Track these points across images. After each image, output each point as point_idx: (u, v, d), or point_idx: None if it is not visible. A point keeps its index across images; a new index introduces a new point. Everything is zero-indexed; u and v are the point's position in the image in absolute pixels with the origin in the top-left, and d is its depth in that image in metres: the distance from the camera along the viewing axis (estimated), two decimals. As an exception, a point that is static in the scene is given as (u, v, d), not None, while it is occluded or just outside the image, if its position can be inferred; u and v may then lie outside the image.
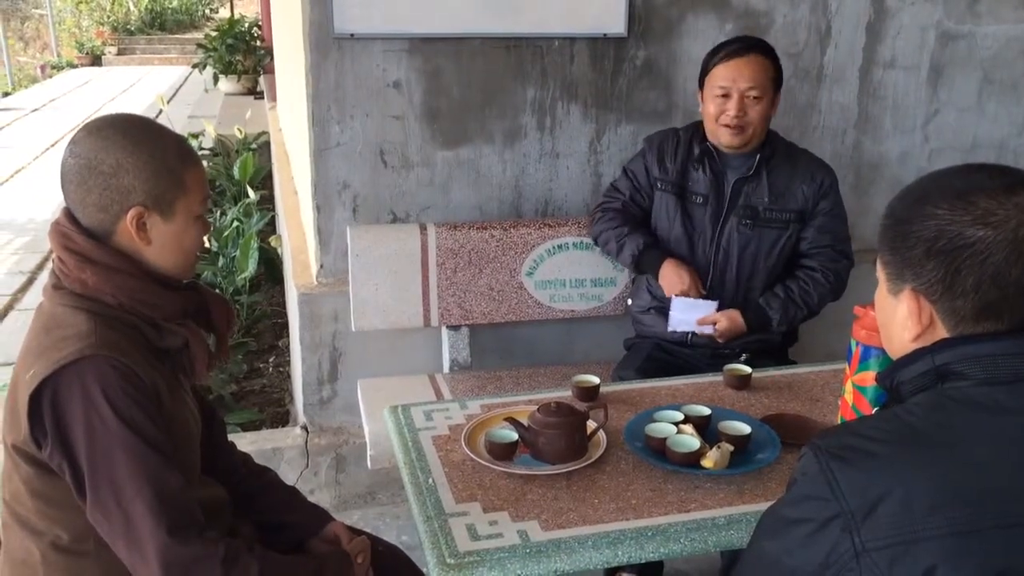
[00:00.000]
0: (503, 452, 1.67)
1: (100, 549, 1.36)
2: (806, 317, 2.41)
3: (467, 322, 2.75)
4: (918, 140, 3.19)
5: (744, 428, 1.72)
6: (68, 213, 1.40)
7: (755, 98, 2.25)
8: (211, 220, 4.29)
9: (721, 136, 2.31)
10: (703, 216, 2.37)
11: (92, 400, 1.27)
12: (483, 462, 1.66)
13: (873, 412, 1.63)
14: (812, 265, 2.38)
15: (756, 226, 2.34)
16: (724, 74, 2.26)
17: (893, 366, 1.07)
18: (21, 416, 1.31)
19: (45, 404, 1.28)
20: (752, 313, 2.36)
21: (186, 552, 1.29)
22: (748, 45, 2.27)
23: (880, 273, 1.10)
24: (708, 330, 2.36)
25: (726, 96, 2.26)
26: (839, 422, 1.76)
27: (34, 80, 15.54)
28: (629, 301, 2.61)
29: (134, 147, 1.36)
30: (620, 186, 2.54)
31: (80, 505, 1.32)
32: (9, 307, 4.90)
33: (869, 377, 1.65)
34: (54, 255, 1.41)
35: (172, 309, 1.44)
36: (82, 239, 1.37)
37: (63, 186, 1.38)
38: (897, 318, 1.06)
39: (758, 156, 2.33)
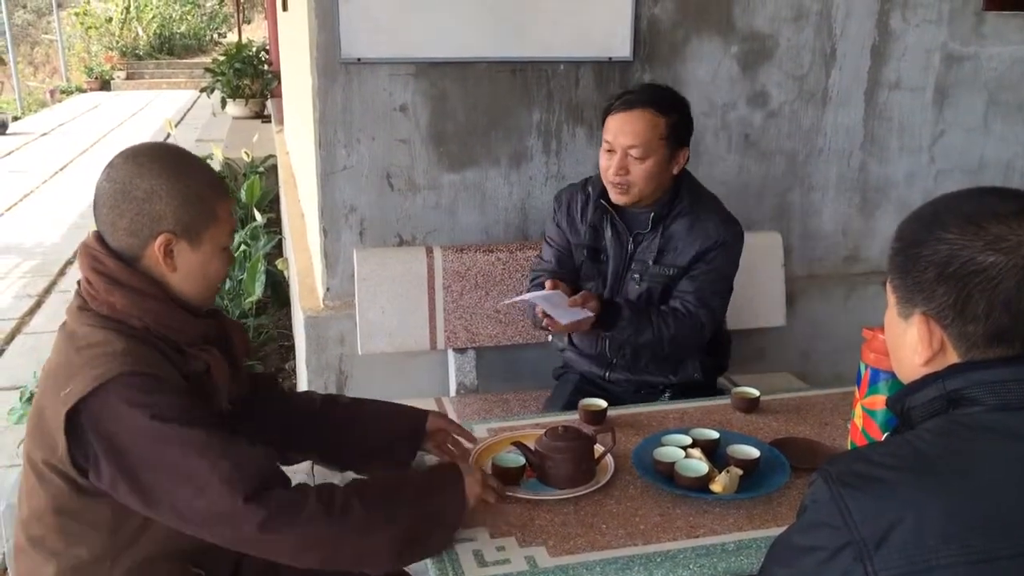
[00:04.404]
0: (510, 476, 1.66)
1: (114, 568, 1.38)
2: (655, 344, 2.22)
3: (473, 345, 2.74)
4: (924, 161, 3.19)
5: (753, 452, 1.71)
6: (98, 236, 1.42)
7: (637, 157, 2.12)
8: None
9: (609, 192, 2.22)
10: (607, 272, 2.31)
11: (137, 411, 1.29)
12: (490, 487, 1.65)
13: (884, 437, 1.62)
14: (673, 304, 2.26)
15: (644, 280, 2.26)
16: (610, 127, 2.15)
17: (903, 391, 1.06)
18: (54, 434, 1.31)
19: (86, 421, 1.30)
20: (607, 306, 2.19)
21: (273, 504, 1.33)
22: (637, 99, 2.13)
23: (890, 296, 1.09)
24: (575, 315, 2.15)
25: (611, 151, 2.16)
26: (849, 446, 1.75)
27: (43, 104, 15.69)
28: (550, 338, 2.55)
29: (169, 175, 1.39)
30: (545, 255, 2.43)
31: (109, 521, 1.36)
32: (16, 331, 4.90)
33: (879, 400, 1.64)
34: (82, 276, 1.43)
35: (195, 335, 1.46)
36: (111, 262, 1.39)
37: (96, 209, 1.41)
38: (907, 342, 1.05)
39: (652, 214, 2.23)
